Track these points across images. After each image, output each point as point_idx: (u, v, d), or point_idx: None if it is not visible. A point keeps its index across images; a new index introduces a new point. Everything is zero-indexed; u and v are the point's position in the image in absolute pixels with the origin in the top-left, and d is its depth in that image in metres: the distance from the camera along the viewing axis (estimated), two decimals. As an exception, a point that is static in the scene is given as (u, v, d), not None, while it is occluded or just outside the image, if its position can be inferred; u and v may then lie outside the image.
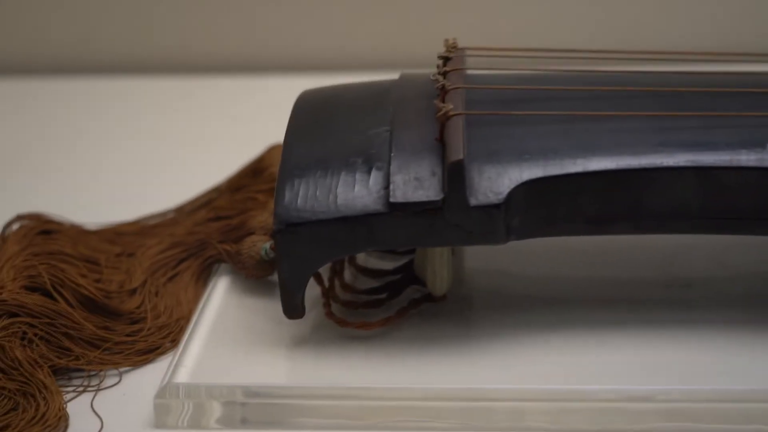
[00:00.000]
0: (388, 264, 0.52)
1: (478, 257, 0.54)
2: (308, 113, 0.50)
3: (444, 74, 0.48)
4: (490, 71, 0.52)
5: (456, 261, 0.53)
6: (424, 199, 0.44)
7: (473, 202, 0.44)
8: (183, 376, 0.45)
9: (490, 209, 0.44)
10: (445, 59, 0.50)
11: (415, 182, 0.45)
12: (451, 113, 0.45)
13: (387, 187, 0.45)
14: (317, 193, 0.45)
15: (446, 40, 0.52)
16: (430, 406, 0.44)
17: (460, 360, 0.47)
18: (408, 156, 0.45)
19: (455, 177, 0.44)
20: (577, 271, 0.53)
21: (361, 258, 0.53)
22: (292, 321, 0.47)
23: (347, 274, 0.52)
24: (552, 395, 0.44)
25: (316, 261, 0.46)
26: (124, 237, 0.56)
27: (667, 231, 0.46)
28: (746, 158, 0.45)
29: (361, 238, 0.45)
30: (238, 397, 0.45)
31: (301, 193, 0.45)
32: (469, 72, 0.51)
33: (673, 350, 0.47)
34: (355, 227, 0.45)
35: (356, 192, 0.45)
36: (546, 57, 0.52)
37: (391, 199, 0.44)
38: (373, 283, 0.51)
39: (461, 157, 0.44)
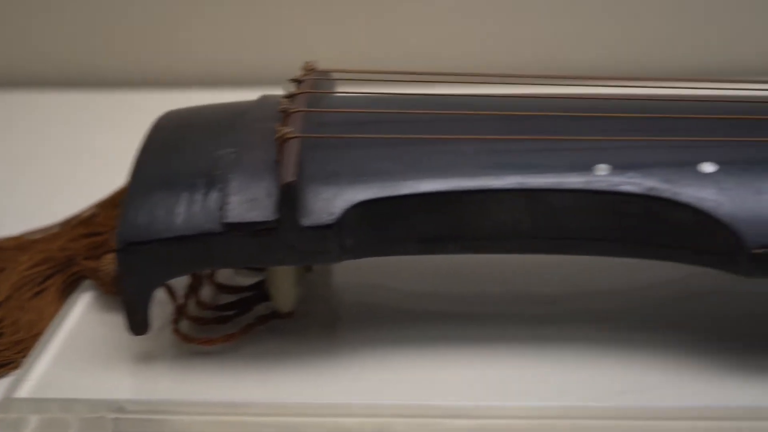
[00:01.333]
0: (250, 280, 0.53)
1: (348, 272, 0.55)
2: (163, 134, 0.51)
3: (292, 97, 0.50)
4: (347, 93, 0.53)
5: (323, 276, 0.55)
6: (257, 219, 0.45)
7: (306, 222, 0.45)
8: (25, 391, 0.46)
9: (322, 229, 0.46)
10: (298, 81, 0.51)
11: (251, 203, 0.46)
12: (288, 136, 0.46)
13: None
14: (158, 213, 0.46)
15: (306, 63, 0.53)
16: (291, 422, 0.45)
17: (321, 375, 0.48)
18: (248, 177, 0.47)
19: (287, 198, 0.45)
20: (446, 286, 0.54)
21: (228, 274, 0.54)
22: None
23: (210, 290, 0.53)
24: (410, 411, 0.45)
25: (157, 279, 0.47)
26: (4, 252, 0.57)
27: (498, 251, 0.48)
28: (574, 180, 0.46)
29: (199, 258, 0.46)
30: (100, 411, 0.45)
31: (143, 213, 0.47)
32: (331, 94, 0.52)
33: (538, 366, 0.48)
34: (192, 247, 0.46)
35: (195, 212, 0.46)
36: (410, 81, 0.53)
37: (225, 220, 0.46)
38: (230, 299, 0.52)
39: (292, 178, 0.45)
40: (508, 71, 0.53)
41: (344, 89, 0.54)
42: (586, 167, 0.46)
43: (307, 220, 0.45)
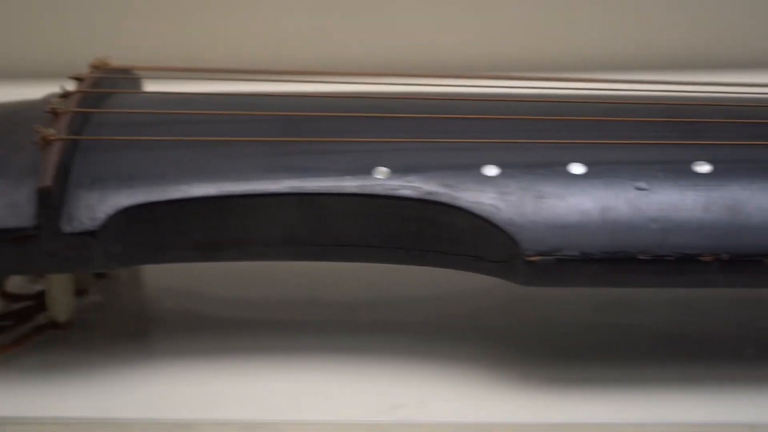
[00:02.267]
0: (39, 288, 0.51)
1: (158, 276, 0.53)
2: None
3: (66, 96, 0.47)
4: (141, 93, 0.51)
5: (128, 284, 0.52)
6: (15, 225, 0.43)
7: (67, 229, 0.43)
8: None
9: (84, 236, 0.43)
10: (78, 80, 0.49)
11: (11, 208, 0.44)
12: (49, 138, 0.44)
13: None
14: None
15: (95, 60, 0.50)
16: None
17: (103, 389, 0.46)
18: (10, 181, 0.44)
19: (44, 204, 0.43)
20: (251, 292, 0.52)
21: (21, 281, 0.52)
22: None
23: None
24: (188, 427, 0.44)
25: None
26: None
27: (279, 258, 0.46)
28: (349, 184, 0.44)
29: None
30: None
31: None
32: (120, 93, 0.50)
33: (318, 379, 0.46)
34: None
35: None
36: (223, 79, 0.51)
37: None
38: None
39: (48, 183, 0.43)
40: (324, 68, 0.52)
41: (155, 87, 0.51)
42: (365, 170, 0.44)
43: (68, 227, 0.43)
